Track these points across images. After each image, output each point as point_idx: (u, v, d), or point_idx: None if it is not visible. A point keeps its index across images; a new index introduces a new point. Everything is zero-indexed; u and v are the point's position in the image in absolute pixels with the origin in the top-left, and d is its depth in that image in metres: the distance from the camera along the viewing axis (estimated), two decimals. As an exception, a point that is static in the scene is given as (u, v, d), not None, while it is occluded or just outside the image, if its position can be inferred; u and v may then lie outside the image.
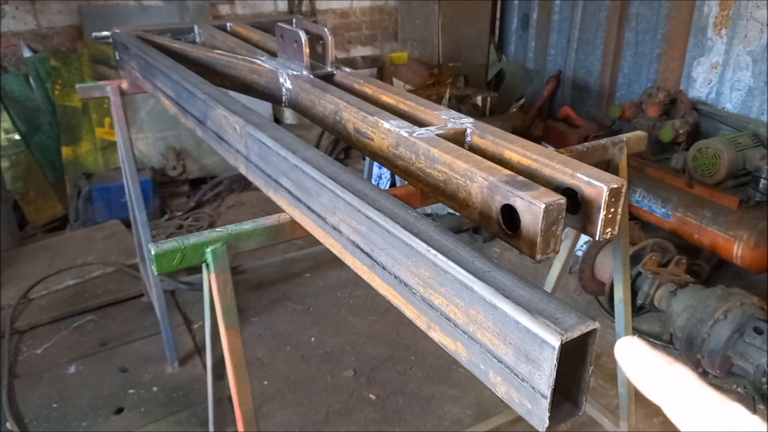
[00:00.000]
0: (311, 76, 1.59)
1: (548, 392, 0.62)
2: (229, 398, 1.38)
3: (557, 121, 4.67)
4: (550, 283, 2.25)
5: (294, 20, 2.02)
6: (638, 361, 0.40)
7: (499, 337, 0.67)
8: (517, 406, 0.68)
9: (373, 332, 3.03)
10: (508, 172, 0.96)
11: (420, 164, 1.11)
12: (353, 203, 0.90)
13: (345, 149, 5.01)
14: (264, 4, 4.94)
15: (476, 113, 4.45)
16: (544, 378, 0.62)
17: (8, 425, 2.41)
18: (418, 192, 1.18)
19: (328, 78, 1.62)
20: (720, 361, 2.48)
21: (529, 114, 4.94)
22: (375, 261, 0.88)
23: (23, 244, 3.73)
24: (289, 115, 4.98)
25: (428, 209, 3.71)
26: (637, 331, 2.95)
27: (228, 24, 2.35)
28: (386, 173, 3.97)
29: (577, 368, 0.67)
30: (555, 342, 0.60)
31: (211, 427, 1.58)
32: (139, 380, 2.70)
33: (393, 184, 3.87)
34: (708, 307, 2.55)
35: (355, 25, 5.43)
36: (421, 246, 0.77)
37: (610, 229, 0.97)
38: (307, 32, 1.61)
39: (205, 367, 2.49)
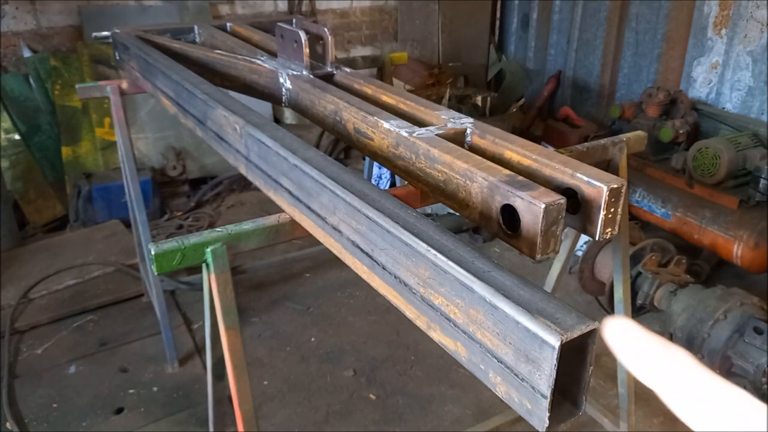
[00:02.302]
0: (311, 76, 1.59)
1: (548, 392, 0.62)
2: (229, 398, 1.38)
3: (557, 121, 4.66)
4: (550, 283, 2.25)
5: (294, 20, 2.02)
6: (631, 344, 0.37)
7: (499, 337, 0.67)
8: (517, 406, 0.68)
9: (373, 332, 3.03)
10: (508, 172, 0.96)
11: (420, 164, 1.11)
12: (353, 203, 0.90)
13: (345, 149, 5.01)
14: (264, 4, 4.94)
15: (476, 113, 4.44)
16: (544, 378, 0.62)
17: (8, 425, 2.41)
18: (418, 192, 1.18)
19: (328, 78, 1.62)
20: (720, 361, 2.48)
21: (529, 114, 4.94)
22: (375, 261, 0.88)
23: (23, 244, 3.73)
24: (289, 115, 4.98)
25: (428, 209, 3.71)
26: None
27: (228, 24, 2.35)
28: (386, 173, 3.97)
29: (577, 368, 0.67)
30: (555, 342, 0.60)
31: (211, 427, 1.58)
32: (139, 380, 2.70)
33: (393, 184, 3.87)
34: (708, 307, 2.55)
35: (355, 25, 5.43)
36: (421, 246, 0.77)
37: (610, 229, 0.97)
38: (307, 32, 1.61)
39: (205, 367, 2.49)
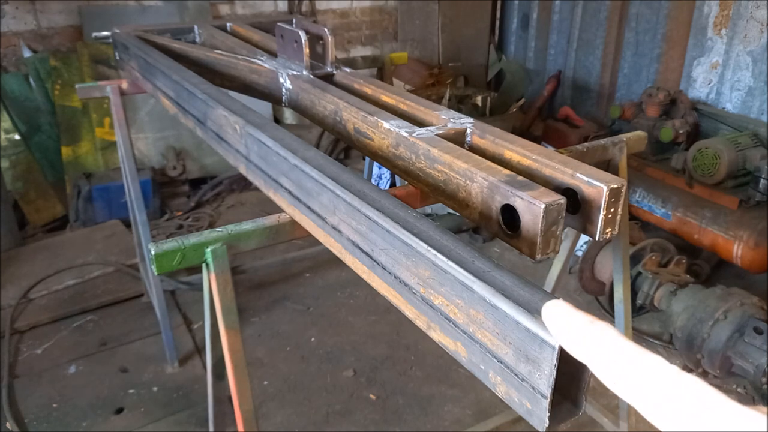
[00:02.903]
0: (311, 76, 1.59)
1: (548, 392, 0.62)
2: (229, 398, 1.38)
3: (557, 121, 4.67)
4: (550, 283, 2.25)
5: (294, 20, 2.02)
6: (563, 323, 0.41)
7: (499, 337, 0.67)
8: (517, 406, 0.67)
9: (373, 332, 3.03)
10: (508, 172, 0.96)
11: (420, 164, 1.11)
12: (353, 203, 0.90)
13: (345, 149, 5.01)
14: (264, 4, 4.94)
15: (476, 113, 4.45)
16: (544, 378, 0.62)
17: (8, 425, 2.41)
18: (418, 192, 1.18)
19: (328, 78, 1.62)
20: (720, 361, 2.48)
21: (529, 114, 4.94)
22: (375, 261, 0.88)
23: (23, 244, 3.73)
24: (289, 115, 4.98)
25: (428, 209, 3.72)
26: (637, 331, 2.95)
27: (228, 24, 2.35)
28: (386, 173, 3.97)
29: (577, 368, 0.67)
30: (555, 342, 0.60)
31: (211, 427, 1.58)
32: (139, 380, 2.70)
33: (393, 184, 3.87)
34: (708, 307, 2.55)
35: (355, 25, 5.43)
36: (421, 246, 0.77)
37: (610, 229, 0.97)
38: (307, 32, 1.61)
39: (205, 367, 2.49)
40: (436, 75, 4.88)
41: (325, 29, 1.62)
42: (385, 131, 1.20)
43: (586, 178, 0.96)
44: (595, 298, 3.19)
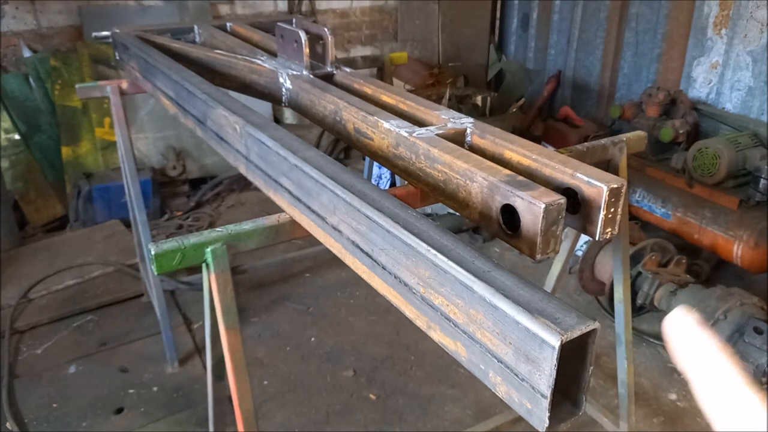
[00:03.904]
0: (311, 76, 1.59)
1: (548, 392, 0.62)
2: (229, 398, 1.38)
3: (557, 121, 4.67)
4: (550, 283, 2.25)
5: (294, 20, 2.02)
6: (686, 338, 0.40)
7: (499, 337, 0.67)
8: (517, 406, 0.68)
9: (373, 332, 3.03)
10: (508, 172, 0.96)
11: (420, 164, 1.11)
12: (353, 203, 0.90)
13: (345, 149, 5.01)
14: (264, 4, 4.94)
15: (476, 113, 4.45)
16: (544, 378, 0.62)
17: (8, 425, 2.41)
18: (418, 192, 1.18)
19: (328, 78, 1.62)
20: (720, 361, 2.48)
21: (529, 114, 4.94)
22: (375, 261, 0.88)
23: (23, 244, 3.73)
24: (289, 115, 4.98)
25: (428, 209, 3.71)
26: (637, 331, 2.95)
27: (228, 24, 2.35)
28: (386, 173, 3.97)
29: (577, 368, 0.67)
30: (555, 342, 0.60)
31: (211, 427, 1.58)
32: (139, 380, 2.70)
33: (393, 184, 3.87)
34: (708, 307, 2.55)
35: (355, 25, 5.43)
36: (421, 246, 0.77)
37: (610, 229, 0.97)
38: (307, 32, 1.61)
39: (205, 367, 2.49)
40: (436, 75, 4.88)
41: (325, 29, 1.62)
42: (385, 131, 1.20)
43: (586, 178, 0.96)
44: (595, 298, 3.19)
